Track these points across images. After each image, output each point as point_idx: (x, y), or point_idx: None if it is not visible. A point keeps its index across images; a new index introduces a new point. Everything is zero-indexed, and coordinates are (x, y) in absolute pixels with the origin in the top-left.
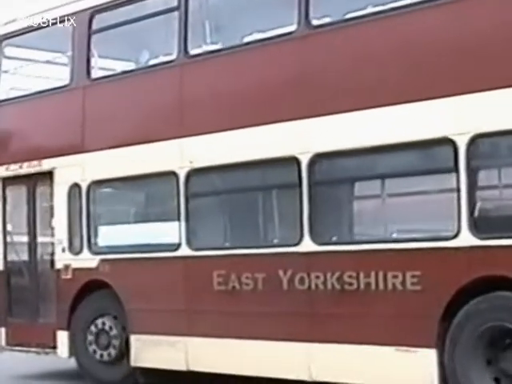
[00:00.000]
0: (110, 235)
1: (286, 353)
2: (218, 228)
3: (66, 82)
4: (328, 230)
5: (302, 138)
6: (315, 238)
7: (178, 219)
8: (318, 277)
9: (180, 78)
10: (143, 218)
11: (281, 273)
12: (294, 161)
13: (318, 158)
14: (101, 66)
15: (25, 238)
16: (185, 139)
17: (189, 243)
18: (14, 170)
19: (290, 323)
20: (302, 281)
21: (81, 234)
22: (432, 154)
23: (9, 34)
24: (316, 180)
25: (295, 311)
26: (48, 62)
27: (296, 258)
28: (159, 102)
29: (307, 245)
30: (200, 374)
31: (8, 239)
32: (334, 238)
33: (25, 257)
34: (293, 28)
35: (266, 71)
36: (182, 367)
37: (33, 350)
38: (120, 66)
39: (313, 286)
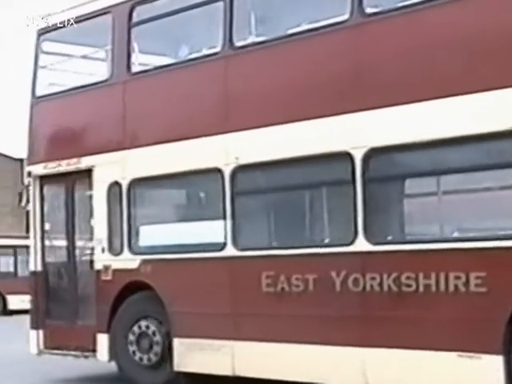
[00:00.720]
0: (151, 235)
1: (338, 358)
2: (266, 227)
3: (105, 76)
4: (383, 228)
5: (356, 132)
6: (370, 238)
7: (224, 218)
8: (373, 278)
9: (225, 70)
10: (186, 216)
11: (333, 274)
12: (346, 156)
13: (372, 153)
14: (140, 60)
15: (63, 238)
16: (230, 134)
17: (235, 243)
18: (51, 168)
19: (343, 327)
20: (356, 282)
21: (121, 234)
22: (495, 148)
23: (46, 28)
24: (370, 176)
25: (349, 314)
26: (86, 57)
27: (349, 258)
28: (203, 96)
29: (361, 244)
30: (246, 379)
31: (46, 239)
32: (390, 237)
33: (63, 257)
34: (345, 17)
35: (317, 62)
36: (227, 372)
37: (71, 353)
38: (158, 61)
39: (367, 288)
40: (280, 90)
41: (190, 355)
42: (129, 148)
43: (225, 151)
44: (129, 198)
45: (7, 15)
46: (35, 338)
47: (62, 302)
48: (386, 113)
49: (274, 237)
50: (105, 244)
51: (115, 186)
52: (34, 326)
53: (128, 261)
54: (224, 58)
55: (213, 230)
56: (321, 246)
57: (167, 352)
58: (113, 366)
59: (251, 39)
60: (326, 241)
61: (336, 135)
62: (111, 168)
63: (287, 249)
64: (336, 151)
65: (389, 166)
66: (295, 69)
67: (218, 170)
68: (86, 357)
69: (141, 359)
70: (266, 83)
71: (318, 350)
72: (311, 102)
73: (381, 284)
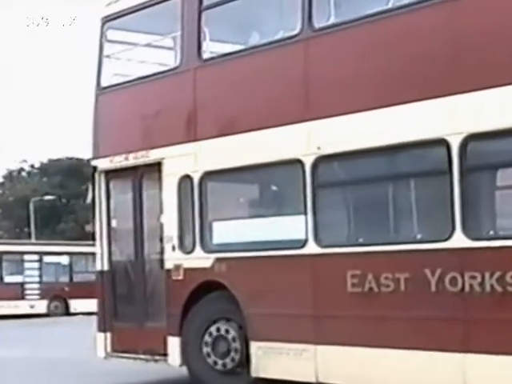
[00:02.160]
0: (225, 231)
1: (435, 365)
2: (351, 222)
3: (174, 64)
4: (484, 222)
5: (453, 117)
6: (469, 233)
7: (304, 213)
8: (473, 277)
9: (304, 53)
10: (264, 211)
11: (427, 272)
12: (442, 143)
13: (471, 140)
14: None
15: (131, 236)
16: (311, 123)
17: (317, 239)
18: (118, 162)
19: (439, 330)
20: (453, 281)
21: (193, 231)
22: None
23: (111, 15)
24: (469, 165)
25: (446, 317)
26: (152, 45)
27: (446, 255)
28: (281, 82)
29: (459, 240)
30: None
31: (113, 237)
32: (492, 232)
33: (131, 256)
34: None
35: (409, 42)
36: (310, 379)
37: (141, 357)
38: (227, 49)
39: (467, 288)
40: (366, 74)
41: (269, 360)
42: (201, 139)
43: (306, 140)
44: (201, 192)
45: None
46: (102, 340)
47: (130, 303)
48: (487, 95)
49: (360, 232)
50: (175, 242)
51: (186, 179)
52: (101, 328)
53: (200, 259)
54: (303, 40)
55: (293, 226)
56: (413, 243)
57: (245, 357)
58: (183, 371)
59: (333, 20)
60: (419, 236)
61: (430, 121)
62: (182, 161)
63: (375, 245)
64: (430, 138)
65: (490, 154)
66: (385, 50)
67: (298, 161)
68: (156, 361)
69: (216, 364)
70: (350, 66)
71: (411, 355)
72: (401, 86)
73: (482, 284)
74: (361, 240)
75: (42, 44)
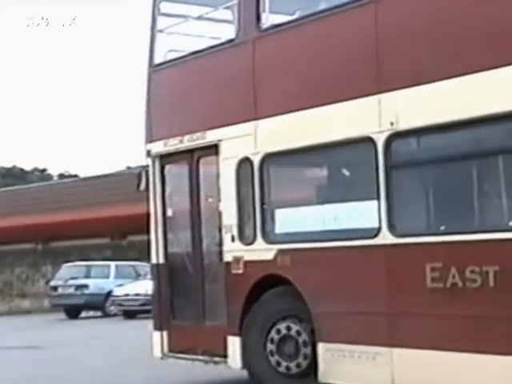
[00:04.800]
0: (289, 220)
1: None
2: (431, 207)
3: (231, 36)
4: None
5: None
6: None
7: (377, 198)
8: None
9: (374, 15)
10: (331, 197)
11: None
12: None
13: None
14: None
15: (188, 226)
16: (384, 95)
17: (391, 228)
18: (173, 145)
19: None
20: None
21: (254, 220)
22: None
23: None
24: None
25: None
26: (208, 17)
27: None
28: (348, 50)
29: None
30: None
31: (168, 227)
32: None
33: (188, 248)
34: None
35: None
36: None
37: (199, 358)
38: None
39: None
40: (452, 33)
41: (339, 364)
42: (261, 118)
43: (377, 115)
44: (262, 176)
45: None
46: (159, 340)
47: (187, 300)
48: None
49: (441, 219)
50: (235, 232)
51: (246, 162)
52: (158, 326)
53: (262, 251)
54: (374, 1)
55: (364, 213)
56: (505, 231)
57: (313, 359)
58: (244, 374)
59: None
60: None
61: None
62: (241, 142)
63: (459, 234)
64: None
65: None
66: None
67: (370, 139)
68: (215, 363)
69: (279, 365)
70: (432, 25)
71: (503, 361)
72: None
73: None
74: (442, 228)
75: (42, 44)
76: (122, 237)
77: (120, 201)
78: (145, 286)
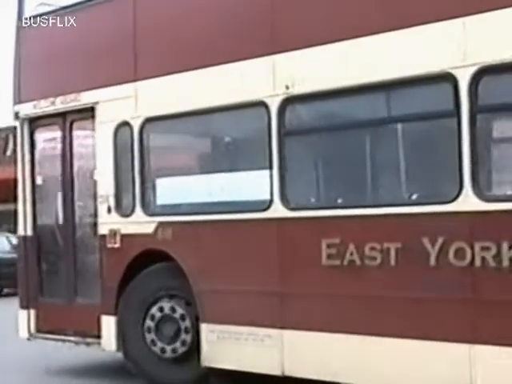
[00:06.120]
0: (171, 191)
1: (436, 358)
2: (327, 179)
3: None
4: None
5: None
6: (479, 192)
7: (269, 167)
8: (485, 248)
9: None
10: (218, 166)
11: (425, 241)
12: (449, 79)
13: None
14: None
15: (59, 195)
16: (278, 56)
17: (284, 200)
18: (44, 107)
19: (440, 314)
20: (460, 254)
21: (133, 190)
22: None
23: None
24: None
25: (449, 297)
26: None
27: (451, 219)
28: (239, 4)
29: (469, 201)
30: (299, 380)
31: (38, 197)
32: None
33: (59, 219)
34: None
35: None
36: (274, 371)
37: (70, 338)
38: None
39: (477, 263)
40: None
41: (224, 347)
42: (142, 79)
43: (271, 78)
44: (142, 142)
45: None
46: (25, 319)
47: (57, 276)
48: None
49: (338, 192)
50: (111, 202)
51: (125, 127)
52: (24, 304)
53: (141, 224)
54: None
55: (254, 184)
56: (407, 205)
57: (195, 342)
58: (119, 356)
59: None
60: (415, 197)
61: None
62: (119, 105)
63: (357, 208)
64: (424, 74)
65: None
66: None
67: (262, 104)
68: (87, 344)
69: (156, 346)
70: None
71: (403, 345)
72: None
73: (498, 256)
74: (339, 201)
75: None
76: None
77: None
78: None
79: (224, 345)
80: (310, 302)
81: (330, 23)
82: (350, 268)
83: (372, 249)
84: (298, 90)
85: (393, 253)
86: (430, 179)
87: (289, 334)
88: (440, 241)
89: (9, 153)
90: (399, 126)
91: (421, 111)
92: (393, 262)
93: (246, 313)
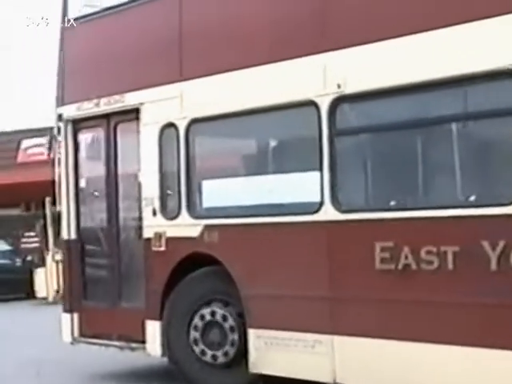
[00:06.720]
0: (218, 193)
1: (496, 366)
2: (380, 180)
3: None
4: None
5: None
6: None
7: (319, 169)
8: None
9: None
10: (266, 168)
11: (486, 245)
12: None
13: None
14: None
15: (103, 198)
16: (329, 54)
17: (335, 202)
18: (87, 109)
19: (501, 320)
20: None
21: (178, 192)
22: None
23: None
24: None
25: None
26: None
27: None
28: (290, 2)
29: None
30: None
31: (82, 199)
32: None
33: (103, 222)
34: None
35: None
36: (324, 379)
37: (114, 343)
38: None
39: None
40: None
41: (272, 353)
42: (188, 79)
43: (322, 77)
44: (188, 143)
45: None
46: (69, 323)
47: (101, 279)
48: None
49: (392, 194)
50: (157, 205)
51: (170, 128)
52: (67, 308)
53: (187, 226)
54: None
55: (304, 186)
56: (466, 207)
57: (242, 348)
58: (164, 361)
59: None
60: (473, 199)
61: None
62: (165, 106)
63: (413, 210)
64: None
65: None
66: None
67: (312, 103)
68: (132, 349)
69: (204, 354)
70: None
71: (463, 352)
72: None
73: None
74: (393, 203)
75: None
76: None
77: None
78: None
79: (273, 351)
80: (362, 307)
81: (384, 19)
82: (404, 272)
83: (428, 252)
84: (350, 88)
85: (450, 256)
86: (489, 180)
87: (340, 340)
88: (501, 244)
89: (52, 156)
90: (456, 125)
91: (478, 110)
92: (450, 266)
93: (296, 318)
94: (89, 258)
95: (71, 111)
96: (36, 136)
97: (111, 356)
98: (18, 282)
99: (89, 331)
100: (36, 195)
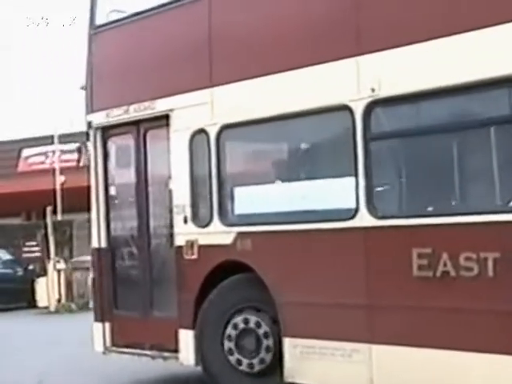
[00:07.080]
0: (251, 199)
1: None
2: (417, 185)
3: None
4: None
5: None
6: None
7: (355, 174)
8: None
9: None
10: (299, 174)
11: None
12: None
13: None
14: None
15: (133, 206)
16: (363, 57)
17: (371, 208)
18: (117, 115)
19: None
20: None
21: (210, 199)
22: None
23: None
24: None
25: None
26: None
27: None
28: (322, 6)
29: None
30: None
31: (112, 207)
32: None
33: (134, 230)
34: None
35: None
36: None
37: (147, 353)
38: None
39: None
40: None
41: (308, 362)
42: (218, 84)
43: (355, 80)
44: (219, 150)
45: None
46: (100, 332)
47: (133, 288)
48: None
49: (429, 199)
50: (188, 212)
51: (201, 135)
52: (99, 317)
53: (219, 234)
54: None
55: (339, 192)
56: (504, 212)
57: (277, 356)
58: (198, 370)
59: None
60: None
61: None
62: (195, 112)
63: (451, 216)
64: None
65: None
66: None
67: (346, 108)
68: (164, 358)
69: (240, 363)
70: None
71: (504, 361)
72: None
73: None
74: (431, 208)
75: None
76: None
77: None
78: None
79: (308, 360)
80: (399, 315)
81: (418, 21)
82: (443, 279)
83: (467, 259)
84: (385, 92)
85: (490, 263)
86: None
87: (378, 349)
88: None
89: (83, 163)
90: (494, 128)
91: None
92: (491, 272)
93: (332, 327)
94: (119, 267)
95: (100, 118)
96: (36, 145)
97: (124, 366)
98: (19, 292)
99: (121, 341)
100: (37, 204)
